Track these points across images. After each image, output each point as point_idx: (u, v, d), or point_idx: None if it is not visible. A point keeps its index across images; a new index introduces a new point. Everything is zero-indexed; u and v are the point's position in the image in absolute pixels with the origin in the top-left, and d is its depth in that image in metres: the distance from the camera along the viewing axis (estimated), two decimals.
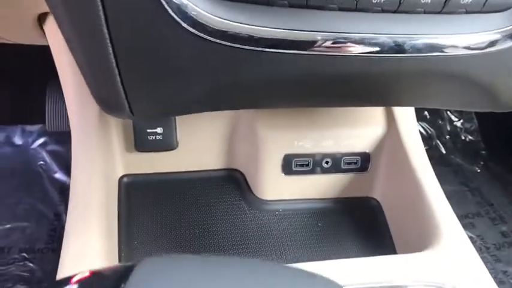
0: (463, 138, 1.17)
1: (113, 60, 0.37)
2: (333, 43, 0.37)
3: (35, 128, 1.03)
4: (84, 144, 0.60)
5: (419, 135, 0.66)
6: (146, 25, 0.35)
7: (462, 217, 0.98)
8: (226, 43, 0.37)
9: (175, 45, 0.37)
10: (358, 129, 0.66)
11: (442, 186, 0.61)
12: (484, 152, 1.15)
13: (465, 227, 0.60)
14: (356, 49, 0.37)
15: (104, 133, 0.62)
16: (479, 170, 1.11)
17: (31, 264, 0.84)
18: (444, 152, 1.14)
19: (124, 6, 0.34)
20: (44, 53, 0.62)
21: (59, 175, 0.98)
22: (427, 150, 0.66)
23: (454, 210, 0.58)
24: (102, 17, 0.34)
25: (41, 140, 1.02)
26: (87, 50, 0.38)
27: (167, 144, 0.65)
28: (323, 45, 0.37)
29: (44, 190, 0.95)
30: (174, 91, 0.41)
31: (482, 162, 1.12)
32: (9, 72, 1.03)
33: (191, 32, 0.36)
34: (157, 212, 0.66)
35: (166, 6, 0.34)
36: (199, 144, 0.68)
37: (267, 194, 0.69)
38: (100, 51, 0.36)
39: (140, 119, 0.61)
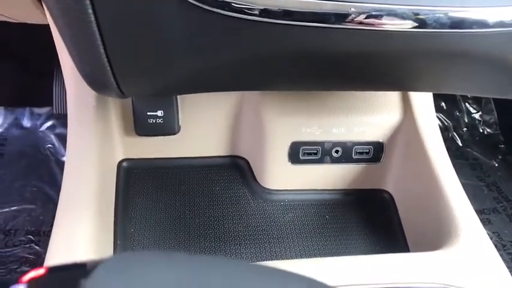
0: (481, 130, 1.15)
1: (98, 34, 0.34)
2: (361, 17, 0.33)
3: (44, 110, 1.04)
4: (80, 126, 0.59)
5: (437, 125, 0.63)
6: None
7: (478, 213, 0.96)
8: (234, 14, 0.33)
9: (169, 17, 0.34)
10: (372, 117, 0.63)
11: None
12: (502, 145, 1.13)
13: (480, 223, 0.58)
14: (385, 23, 0.33)
15: (101, 115, 0.61)
16: (497, 164, 1.08)
17: (37, 247, 0.85)
18: (461, 144, 1.12)
19: None
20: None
21: None
22: None
23: None
24: None
25: (49, 123, 1.03)
26: (69, 21, 0.35)
27: (168, 128, 0.64)
28: (346, 20, 0.33)
29: (51, 173, 0.96)
30: (166, 69, 0.38)
31: (500, 157, 1.10)
32: (17, 54, 1.04)
33: (189, 2, 0.32)
34: (156, 199, 0.65)
35: None
36: (202, 129, 0.67)
37: (273, 183, 0.67)
38: (83, 23, 0.33)
39: (131, 96, 0.58)
